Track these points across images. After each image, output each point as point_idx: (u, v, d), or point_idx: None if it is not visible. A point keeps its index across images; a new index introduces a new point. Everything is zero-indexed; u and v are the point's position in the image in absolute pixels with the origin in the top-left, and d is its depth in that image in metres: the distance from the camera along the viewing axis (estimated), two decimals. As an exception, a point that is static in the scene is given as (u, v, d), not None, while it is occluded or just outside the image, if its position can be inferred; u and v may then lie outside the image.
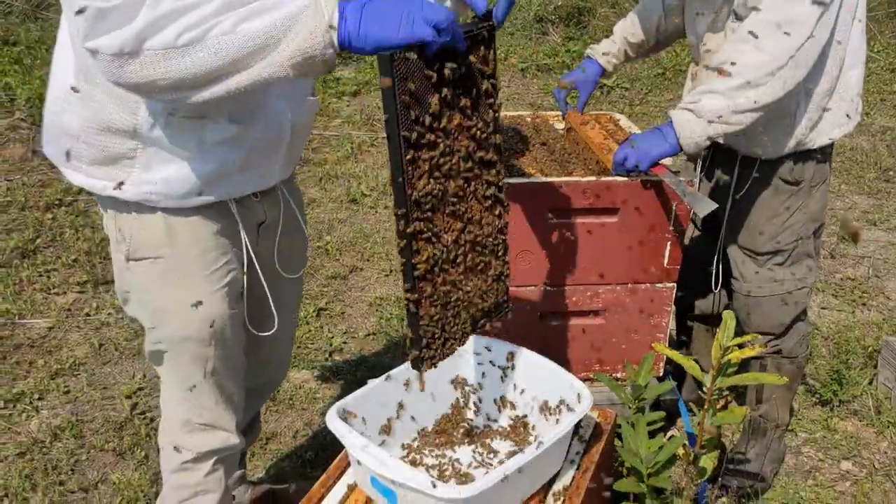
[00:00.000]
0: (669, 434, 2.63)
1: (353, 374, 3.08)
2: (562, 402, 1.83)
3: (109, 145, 1.54)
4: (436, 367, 1.58)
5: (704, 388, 1.85)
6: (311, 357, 3.19)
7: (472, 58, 1.46)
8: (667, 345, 2.38)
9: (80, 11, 1.24)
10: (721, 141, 2.12)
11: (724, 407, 1.89)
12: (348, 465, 1.78)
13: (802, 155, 2.18)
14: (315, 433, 2.78)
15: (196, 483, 1.86)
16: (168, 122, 1.51)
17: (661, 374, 2.45)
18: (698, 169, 2.39)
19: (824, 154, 2.21)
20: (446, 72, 1.39)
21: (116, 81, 1.31)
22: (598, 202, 2.18)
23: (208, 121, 1.54)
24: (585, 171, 2.38)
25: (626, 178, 2.16)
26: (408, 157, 1.38)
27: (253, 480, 2.44)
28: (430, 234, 1.47)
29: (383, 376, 1.82)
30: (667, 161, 2.15)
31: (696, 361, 2.10)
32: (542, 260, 2.24)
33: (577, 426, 1.89)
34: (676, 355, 1.91)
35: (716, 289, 2.47)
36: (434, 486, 1.49)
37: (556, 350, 2.33)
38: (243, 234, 1.72)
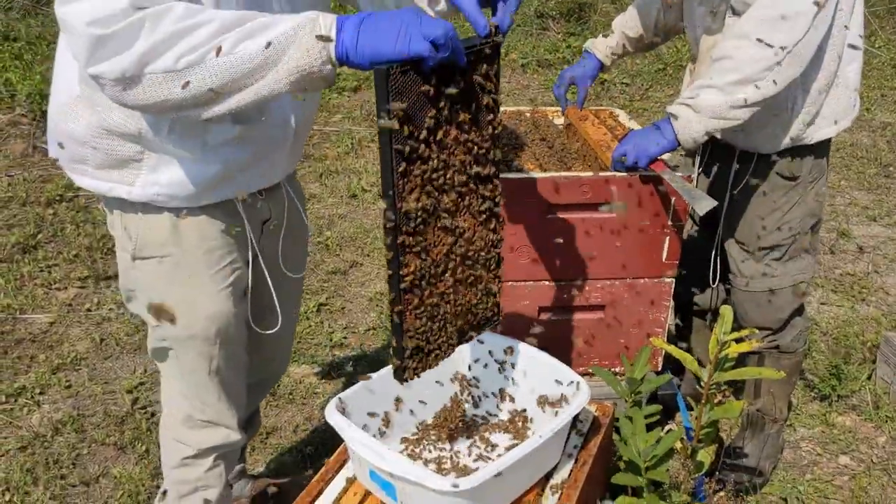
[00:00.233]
0: (667, 428, 2.64)
1: (353, 369, 3.09)
2: (560, 395, 1.84)
3: (116, 149, 1.55)
4: (419, 377, 1.58)
5: (702, 383, 1.86)
6: (311, 352, 3.20)
7: (474, 73, 1.45)
8: (665, 340, 2.39)
9: (79, 37, 1.25)
10: (718, 136, 2.12)
11: (722, 402, 1.90)
12: (347, 458, 1.79)
13: (800, 150, 2.18)
14: (315, 428, 2.79)
15: (197, 478, 1.87)
16: (171, 126, 1.51)
17: (659, 368, 2.46)
18: (696, 164, 2.40)
19: (822, 149, 2.22)
20: (443, 88, 1.38)
21: (121, 103, 1.33)
22: (597, 197, 2.18)
23: (211, 123, 1.54)
24: (584, 166, 2.39)
25: (625, 174, 2.17)
26: (399, 169, 1.37)
27: (253, 474, 2.45)
28: (419, 247, 1.46)
29: (382, 370, 1.83)
30: (665, 156, 2.16)
31: (695, 356, 2.11)
32: (541, 255, 2.25)
33: (575, 419, 1.90)
34: (674, 350, 1.92)
35: (714, 284, 2.48)
36: (432, 478, 1.50)
37: (554, 345, 2.34)
38: (249, 232, 1.73)
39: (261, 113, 1.59)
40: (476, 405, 1.99)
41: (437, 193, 1.46)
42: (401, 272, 1.45)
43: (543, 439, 1.62)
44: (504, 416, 1.96)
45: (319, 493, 1.72)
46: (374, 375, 1.82)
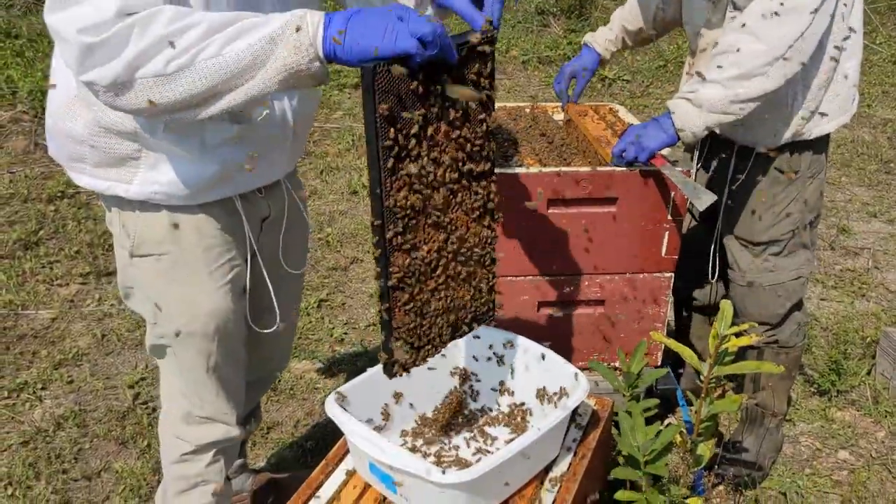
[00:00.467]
0: (667, 422, 2.65)
1: (353, 365, 3.10)
2: (559, 389, 1.85)
3: (114, 147, 1.55)
4: (408, 372, 1.57)
5: (702, 377, 1.86)
6: (312, 348, 3.21)
7: (466, 69, 1.43)
8: (665, 334, 2.40)
9: (69, 45, 1.26)
10: (718, 131, 2.12)
11: (722, 396, 1.90)
12: (347, 451, 1.80)
13: (799, 145, 2.18)
14: (316, 423, 2.80)
15: (196, 474, 1.88)
16: (167, 125, 1.51)
17: (659, 363, 2.46)
18: (695, 159, 2.40)
19: (821, 145, 2.22)
20: (433, 86, 1.37)
21: (116, 108, 1.33)
22: (596, 192, 2.19)
23: (209, 123, 1.54)
24: (584, 161, 2.39)
25: (624, 169, 2.17)
26: (387, 167, 1.36)
27: (254, 469, 2.46)
28: (407, 245, 1.45)
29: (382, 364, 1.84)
30: (665, 151, 2.16)
31: (694, 351, 2.12)
32: (541, 250, 2.26)
33: (574, 413, 1.91)
34: (674, 344, 1.93)
35: (713, 279, 2.48)
36: (432, 471, 1.50)
37: (554, 339, 2.34)
38: (247, 230, 1.74)
39: (260, 112, 1.60)
40: (475, 399, 2.00)
41: (427, 191, 1.44)
42: (389, 269, 1.44)
43: (542, 432, 1.62)
44: (503, 409, 1.97)
45: (320, 485, 1.73)
46: (373, 369, 1.83)
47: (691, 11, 2.23)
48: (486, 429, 1.91)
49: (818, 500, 2.47)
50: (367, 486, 1.72)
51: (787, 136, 2.14)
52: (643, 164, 2.15)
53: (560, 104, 2.66)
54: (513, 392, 1.97)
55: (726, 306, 1.85)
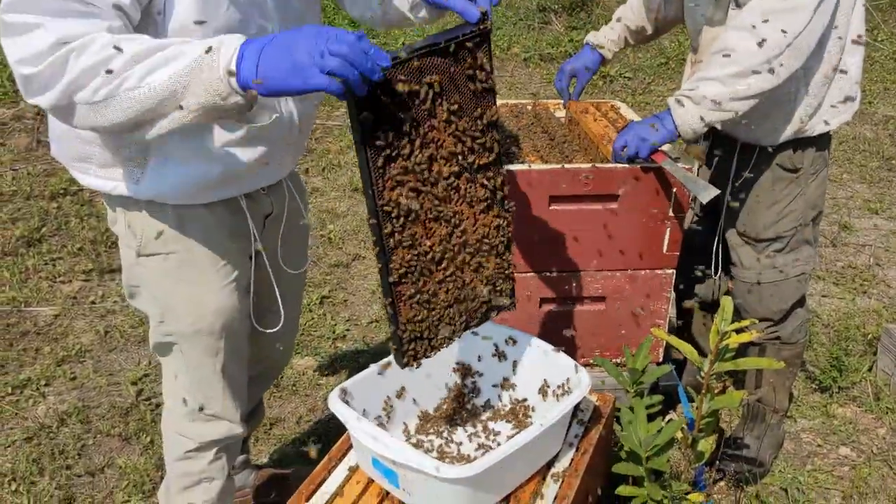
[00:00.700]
0: (668, 418, 2.65)
1: (355, 361, 3.11)
2: (561, 385, 1.86)
3: (122, 148, 1.56)
4: (419, 364, 1.58)
5: (703, 373, 1.87)
6: (314, 344, 3.22)
7: (461, 64, 1.43)
8: (666, 331, 2.40)
9: (13, 71, 1.29)
10: (719, 127, 2.13)
11: (723, 392, 1.91)
12: (350, 447, 1.81)
13: (801, 142, 2.19)
14: (318, 419, 2.81)
15: (200, 471, 1.88)
16: None
17: (660, 359, 2.47)
18: (698, 156, 2.41)
19: (823, 142, 2.23)
20: (417, 85, 1.36)
21: (71, 126, 1.35)
22: (597, 189, 2.19)
23: (215, 125, 1.55)
24: (586, 158, 2.39)
25: (626, 166, 2.18)
26: (377, 166, 1.36)
27: (257, 464, 2.46)
28: (407, 241, 1.45)
29: (385, 360, 1.85)
30: (666, 148, 2.17)
31: (696, 347, 2.12)
32: (543, 246, 2.26)
33: (576, 409, 1.91)
34: (675, 340, 1.93)
35: (715, 275, 2.49)
36: (435, 466, 1.51)
37: (556, 335, 2.35)
38: (252, 228, 1.74)
39: (263, 113, 1.59)
40: (478, 394, 2.01)
41: (424, 187, 1.44)
42: (389, 266, 1.45)
43: (544, 428, 1.63)
44: (506, 405, 1.97)
45: (323, 481, 1.74)
46: (375, 365, 1.84)
47: (693, 9, 2.23)
48: (489, 424, 1.92)
49: (819, 497, 2.47)
50: (370, 482, 1.73)
51: (790, 132, 2.15)
52: (644, 160, 2.16)
53: (562, 101, 2.67)
54: (515, 388, 1.97)
55: (727, 303, 1.85)
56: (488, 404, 1.99)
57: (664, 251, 2.30)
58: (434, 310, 1.55)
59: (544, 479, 1.74)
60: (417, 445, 1.84)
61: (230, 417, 1.86)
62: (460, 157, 1.49)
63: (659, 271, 2.34)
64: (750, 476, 2.46)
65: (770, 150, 2.20)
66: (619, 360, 2.44)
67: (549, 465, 1.77)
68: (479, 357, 2.00)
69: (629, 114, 2.63)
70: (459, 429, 1.91)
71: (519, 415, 1.91)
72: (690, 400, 2.14)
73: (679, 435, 1.92)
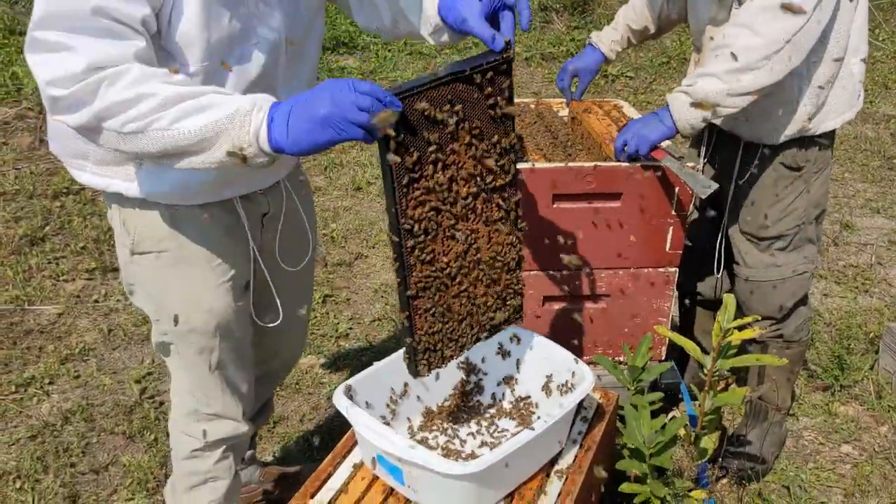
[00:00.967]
0: (671, 416, 2.66)
1: (358, 360, 3.12)
2: (564, 382, 1.86)
3: None
4: (430, 373, 1.63)
5: (705, 371, 1.88)
6: (317, 343, 3.23)
7: (483, 91, 1.48)
8: (669, 328, 2.41)
9: (41, 90, 1.31)
10: (718, 122, 2.13)
11: (725, 389, 1.92)
12: (355, 444, 1.81)
13: (805, 141, 2.19)
14: (322, 417, 2.82)
15: (206, 470, 1.89)
16: None
17: (663, 357, 2.47)
18: (701, 155, 2.41)
19: (826, 140, 2.23)
20: (440, 112, 1.41)
21: (96, 144, 1.37)
22: (600, 187, 2.20)
23: None
24: (589, 157, 2.40)
25: (629, 164, 2.18)
26: (402, 185, 1.41)
27: (263, 461, 2.47)
28: (426, 257, 1.49)
29: (389, 357, 1.85)
30: (667, 144, 2.17)
31: (698, 345, 2.13)
32: (546, 245, 2.27)
33: (580, 406, 1.92)
34: (678, 337, 1.94)
35: (718, 273, 2.49)
36: (439, 463, 1.52)
37: (559, 333, 2.36)
38: (247, 228, 1.75)
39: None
40: (482, 392, 2.02)
41: (445, 205, 1.49)
42: (408, 280, 1.49)
43: (548, 425, 1.64)
44: (509, 402, 1.98)
45: (328, 477, 1.74)
46: (380, 362, 1.84)
47: (696, 9, 2.24)
48: (493, 421, 1.92)
49: (821, 494, 2.48)
50: (374, 479, 1.74)
51: (793, 131, 2.15)
52: (645, 157, 2.16)
53: (564, 101, 2.68)
54: (519, 385, 1.98)
55: (730, 300, 1.86)
56: (492, 401, 2.00)
57: (667, 249, 2.31)
58: (448, 322, 1.60)
59: (548, 475, 1.75)
60: (422, 442, 1.85)
61: (233, 416, 1.87)
62: (478, 179, 1.54)
63: (662, 269, 2.35)
64: (752, 473, 2.47)
65: (773, 148, 2.21)
66: (622, 359, 2.45)
67: (553, 462, 1.78)
68: (483, 355, 2.01)
69: (632, 113, 2.64)
70: (464, 426, 1.92)
71: (523, 412, 1.92)
72: (693, 397, 2.15)
73: (682, 432, 1.92)
